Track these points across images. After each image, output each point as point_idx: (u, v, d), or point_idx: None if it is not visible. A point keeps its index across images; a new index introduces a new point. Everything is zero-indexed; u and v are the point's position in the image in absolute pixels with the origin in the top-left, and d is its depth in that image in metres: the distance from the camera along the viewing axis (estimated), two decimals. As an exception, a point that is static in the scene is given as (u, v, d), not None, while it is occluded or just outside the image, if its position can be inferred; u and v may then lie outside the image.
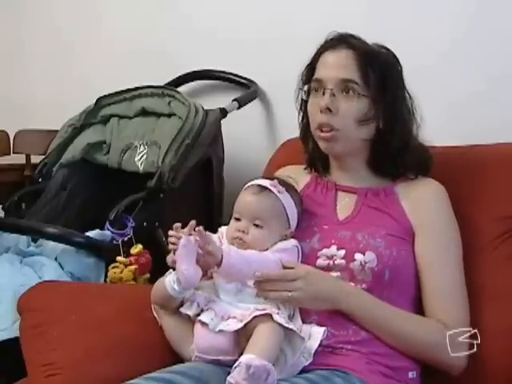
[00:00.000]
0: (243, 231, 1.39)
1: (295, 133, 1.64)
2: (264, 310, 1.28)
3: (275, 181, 1.44)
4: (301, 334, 1.29)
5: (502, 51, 1.91)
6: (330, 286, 1.36)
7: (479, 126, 1.91)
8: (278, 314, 1.27)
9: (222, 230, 1.47)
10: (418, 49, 1.97)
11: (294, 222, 1.45)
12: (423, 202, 1.46)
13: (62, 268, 1.93)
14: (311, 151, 1.58)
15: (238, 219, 1.41)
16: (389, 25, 2.06)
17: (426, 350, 1.37)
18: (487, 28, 1.93)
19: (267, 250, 1.39)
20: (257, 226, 1.39)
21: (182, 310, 1.35)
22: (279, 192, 1.42)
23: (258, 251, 1.36)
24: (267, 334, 1.25)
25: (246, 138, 2.46)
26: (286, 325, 1.27)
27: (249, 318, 1.27)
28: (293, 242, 1.41)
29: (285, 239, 1.42)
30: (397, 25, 2.06)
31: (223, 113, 2.30)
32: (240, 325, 1.27)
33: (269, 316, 1.26)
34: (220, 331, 1.29)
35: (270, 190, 1.42)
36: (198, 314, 1.33)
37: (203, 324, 1.31)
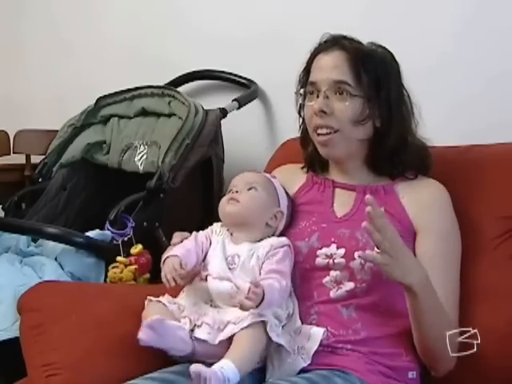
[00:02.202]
0: (237, 191, 1.44)
1: (295, 133, 1.64)
2: (261, 316, 1.27)
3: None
4: (288, 349, 1.28)
5: (502, 51, 1.91)
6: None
7: (479, 125, 1.91)
8: (271, 325, 1.27)
9: (214, 227, 1.48)
10: (417, 49, 1.98)
11: (283, 205, 1.46)
12: (425, 203, 1.45)
13: (62, 268, 1.93)
14: (310, 153, 1.58)
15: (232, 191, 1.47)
16: (388, 25, 2.06)
17: (440, 343, 1.33)
18: (486, 28, 1.93)
19: (260, 241, 1.40)
20: (251, 189, 1.44)
21: None
22: (272, 177, 1.51)
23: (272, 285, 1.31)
24: (246, 341, 1.25)
25: (246, 138, 2.46)
26: (276, 339, 1.27)
27: (245, 323, 1.25)
28: (284, 240, 1.41)
29: (275, 221, 1.43)
30: (396, 25, 2.06)
31: (223, 113, 2.30)
32: (236, 329, 1.26)
33: (260, 323, 1.26)
34: (219, 342, 1.28)
35: (263, 174, 1.52)
36: (192, 330, 1.31)
37: (201, 341, 1.30)
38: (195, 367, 1.17)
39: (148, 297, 1.40)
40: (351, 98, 1.43)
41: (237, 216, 1.42)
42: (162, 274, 1.35)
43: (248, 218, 1.41)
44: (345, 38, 1.49)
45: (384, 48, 1.50)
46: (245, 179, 1.46)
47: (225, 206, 1.44)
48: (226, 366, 1.19)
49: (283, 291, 1.32)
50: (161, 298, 1.38)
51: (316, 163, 1.58)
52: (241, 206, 1.41)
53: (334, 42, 1.47)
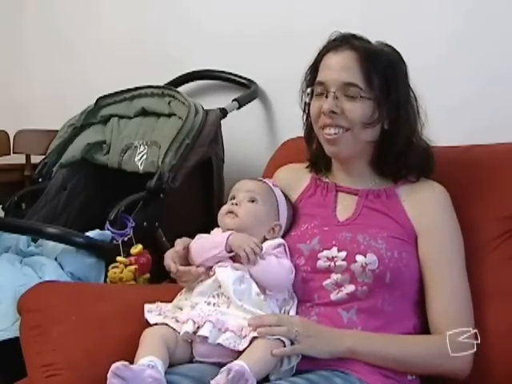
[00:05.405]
0: (236, 204, 1.42)
1: (295, 133, 1.64)
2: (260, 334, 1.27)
3: (271, 179, 1.52)
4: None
5: (502, 51, 1.91)
6: (325, 327, 1.35)
7: (479, 125, 1.91)
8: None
9: (215, 232, 1.48)
10: (417, 49, 1.97)
11: (283, 218, 1.47)
12: (427, 205, 1.45)
13: (62, 268, 1.93)
14: (315, 151, 1.57)
15: (232, 198, 1.45)
16: (388, 25, 2.06)
17: (430, 366, 1.35)
18: (486, 27, 1.93)
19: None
20: (251, 201, 1.43)
21: (181, 333, 1.32)
22: (273, 185, 1.49)
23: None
24: (265, 349, 1.25)
25: (246, 137, 2.46)
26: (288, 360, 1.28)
27: (247, 343, 1.26)
28: (279, 241, 1.43)
29: (272, 234, 1.43)
30: (395, 24, 2.06)
31: (223, 113, 2.30)
32: (239, 346, 1.26)
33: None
34: (219, 344, 1.28)
35: (265, 182, 1.49)
36: (194, 332, 1.31)
37: (202, 338, 1.30)
38: (229, 365, 1.17)
39: (145, 305, 1.40)
40: (361, 99, 1.41)
41: (235, 230, 1.42)
42: (239, 247, 1.35)
43: (246, 231, 1.41)
44: (354, 36, 1.47)
45: (391, 47, 1.48)
46: (247, 188, 1.45)
47: (224, 219, 1.44)
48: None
49: (284, 267, 1.37)
50: (159, 319, 1.36)
51: (320, 162, 1.57)
52: (239, 221, 1.42)
53: (344, 41, 1.45)
